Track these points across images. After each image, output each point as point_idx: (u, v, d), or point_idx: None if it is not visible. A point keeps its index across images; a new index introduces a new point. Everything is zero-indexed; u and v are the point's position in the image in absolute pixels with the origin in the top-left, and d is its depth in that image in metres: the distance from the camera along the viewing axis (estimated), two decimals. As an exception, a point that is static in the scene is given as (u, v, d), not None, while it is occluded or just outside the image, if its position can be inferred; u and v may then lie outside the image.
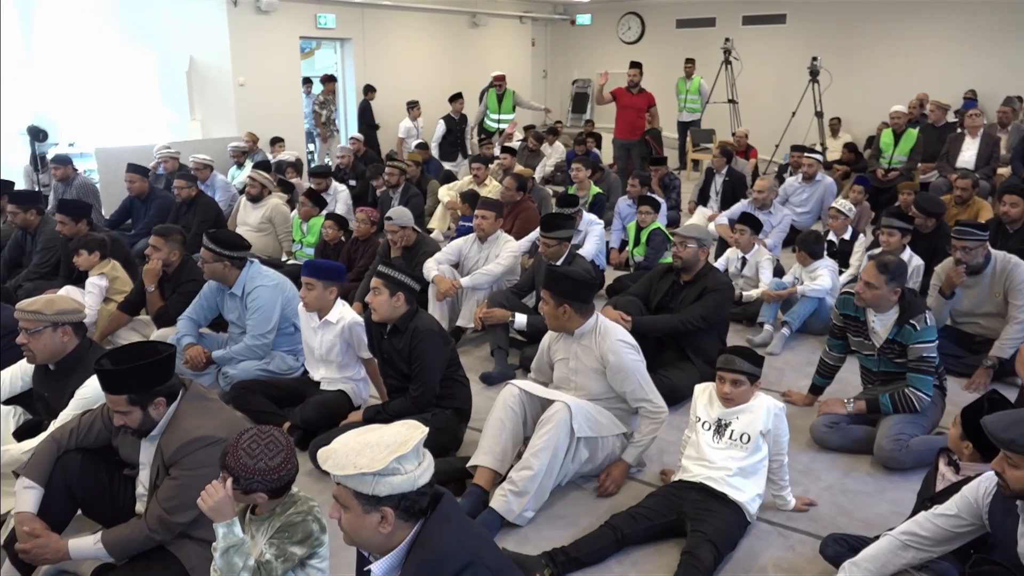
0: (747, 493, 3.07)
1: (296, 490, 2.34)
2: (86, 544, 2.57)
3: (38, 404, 3.24)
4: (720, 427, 3.16)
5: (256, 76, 10.94)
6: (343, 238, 6.31)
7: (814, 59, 11.35)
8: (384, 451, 1.84)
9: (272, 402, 4.12)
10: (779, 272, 5.94)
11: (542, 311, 3.59)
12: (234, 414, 2.70)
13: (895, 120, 8.93)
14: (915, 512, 2.88)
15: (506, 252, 5.29)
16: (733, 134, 11.27)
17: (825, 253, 5.65)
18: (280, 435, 2.25)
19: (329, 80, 11.83)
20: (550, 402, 3.32)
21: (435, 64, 13.06)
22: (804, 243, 5.54)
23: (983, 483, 2.33)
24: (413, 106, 11.65)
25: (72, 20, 10.21)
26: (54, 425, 2.98)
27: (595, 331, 3.48)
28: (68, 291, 5.04)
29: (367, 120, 12.19)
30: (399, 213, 5.55)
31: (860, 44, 12.84)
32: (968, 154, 8.37)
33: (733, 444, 3.12)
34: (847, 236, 6.44)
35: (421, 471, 1.87)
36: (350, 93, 12.77)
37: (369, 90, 12.26)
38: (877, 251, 5.38)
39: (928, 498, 2.74)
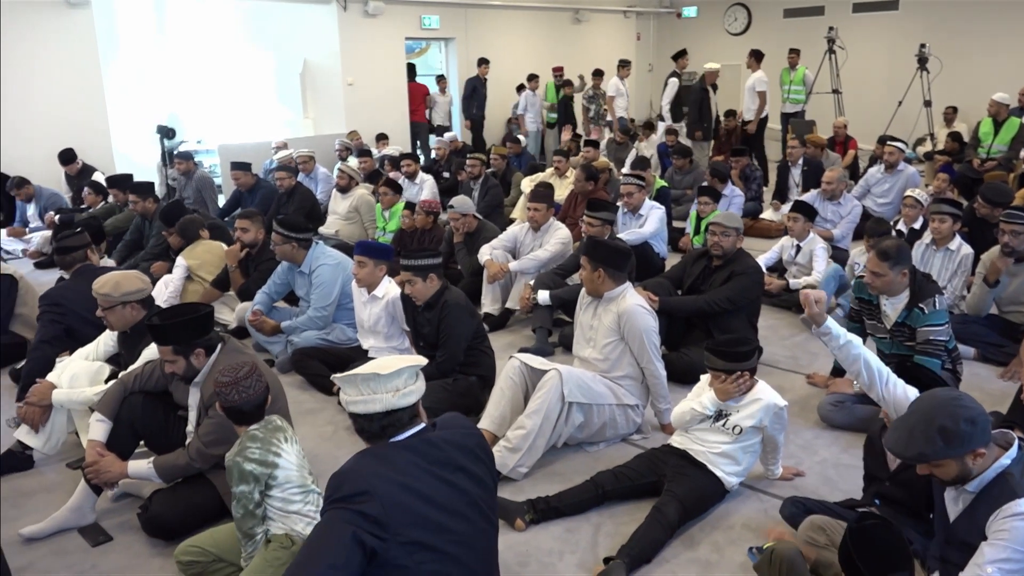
0: (727, 470, 3.24)
1: (256, 430, 2.63)
2: (141, 466, 3.12)
3: (120, 359, 3.86)
4: (719, 415, 3.24)
5: (364, 76, 11.68)
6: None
7: (922, 46, 10.95)
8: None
9: (326, 367, 4.64)
10: (841, 263, 5.93)
11: (580, 276, 3.89)
12: (264, 366, 3.16)
13: (995, 108, 8.57)
14: (866, 488, 3.00)
15: (555, 240, 5.60)
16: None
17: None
18: (248, 365, 2.69)
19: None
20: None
21: (538, 61, 13.38)
22: (872, 230, 5.44)
23: None
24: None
25: (201, 25, 11.22)
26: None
27: (621, 296, 3.76)
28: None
29: (479, 96, 12.62)
30: (460, 202, 5.97)
31: (979, 30, 12.21)
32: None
33: (724, 431, 3.23)
34: (917, 226, 6.33)
35: (354, 399, 2.09)
36: (454, 90, 13.37)
37: (483, 62, 12.49)
38: (929, 240, 5.35)
39: (888, 477, 2.82)
